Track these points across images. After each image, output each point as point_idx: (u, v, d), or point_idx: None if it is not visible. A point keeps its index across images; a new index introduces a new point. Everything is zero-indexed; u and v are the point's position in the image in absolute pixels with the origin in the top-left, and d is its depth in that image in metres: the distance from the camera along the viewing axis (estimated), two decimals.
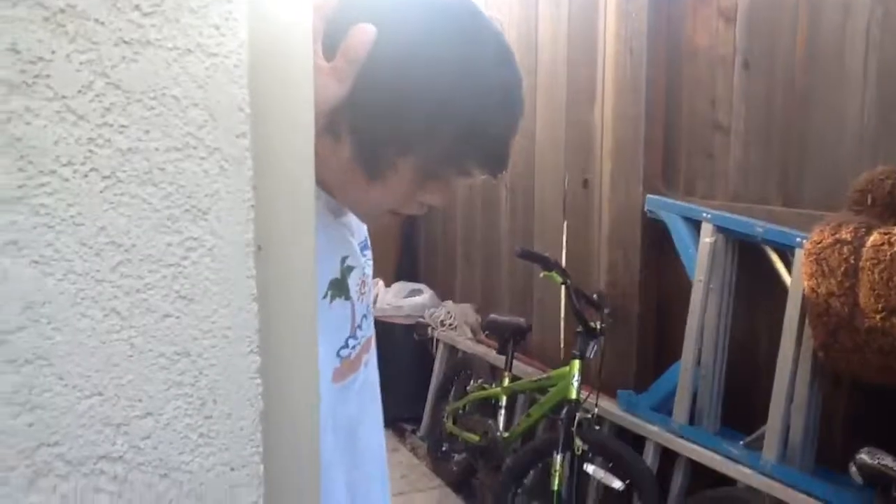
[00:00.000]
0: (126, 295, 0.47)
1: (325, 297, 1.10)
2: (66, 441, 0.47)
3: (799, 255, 2.26)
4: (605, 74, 3.10)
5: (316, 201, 1.03)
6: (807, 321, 2.24)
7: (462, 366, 3.92)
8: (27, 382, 0.46)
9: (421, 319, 4.27)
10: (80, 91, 0.45)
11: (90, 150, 0.45)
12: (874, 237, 1.98)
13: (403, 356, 4.23)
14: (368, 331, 1.25)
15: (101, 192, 0.46)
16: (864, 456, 1.98)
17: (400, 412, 4.27)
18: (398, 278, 4.64)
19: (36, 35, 0.44)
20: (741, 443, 2.54)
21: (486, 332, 3.89)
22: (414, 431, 4.30)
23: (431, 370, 4.22)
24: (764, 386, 2.47)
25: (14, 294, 0.45)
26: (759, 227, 2.45)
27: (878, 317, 1.96)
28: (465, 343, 3.98)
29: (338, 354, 1.14)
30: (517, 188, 3.78)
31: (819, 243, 2.09)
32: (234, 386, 0.51)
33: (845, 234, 2.04)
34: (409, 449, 4.14)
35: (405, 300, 4.36)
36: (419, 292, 4.46)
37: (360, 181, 1.02)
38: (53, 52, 0.44)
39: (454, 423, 3.63)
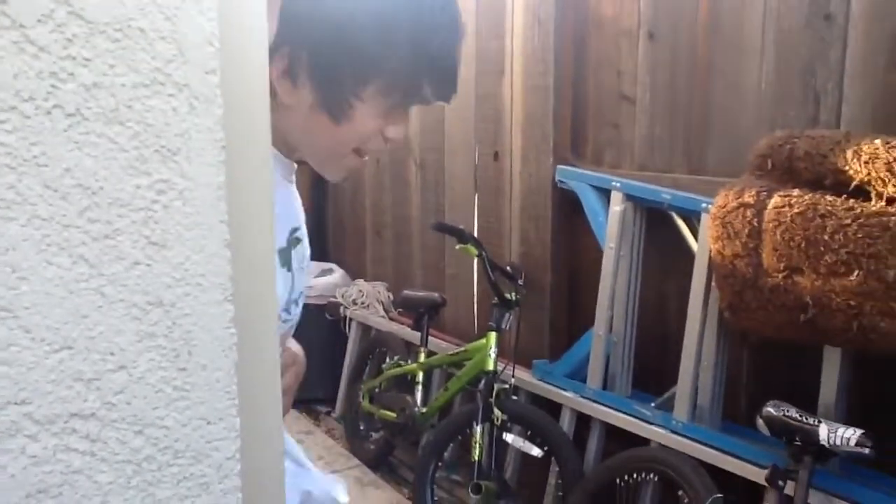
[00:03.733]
0: (94, 241, 0.45)
1: None
2: (34, 398, 0.44)
3: (704, 221, 2.35)
4: (514, 47, 3.13)
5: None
6: (713, 283, 2.33)
7: (376, 344, 3.90)
8: None
9: (333, 299, 4.23)
10: (39, 20, 0.41)
11: (52, 85, 0.42)
12: (775, 200, 2.07)
13: (316, 337, 4.17)
14: (297, 316, 1.25)
15: (65, 130, 0.43)
16: (770, 409, 2.08)
17: (314, 393, 4.22)
18: None
19: None
20: (653, 405, 2.63)
21: (400, 309, 3.88)
22: (329, 413, 4.26)
23: (345, 350, 4.19)
24: (673, 349, 2.56)
25: None
26: (665, 194, 2.53)
27: (780, 276, 2.06)
28: (379, 321, 3.97)
29: None
30: (427, 163, 3.78)
31: (724, 207, 2.18)
32: (209, 336, 0.49)
33: (748, 198, 2.13)
34: (325, 430, 4.11)
35: (316, 280, 4.30)
36: (330, 272, 4.41)
37: (326, 125, 1.02)
38: None
39: (370, 401, 3.62)
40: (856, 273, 1.87)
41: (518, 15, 3.08)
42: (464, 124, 3.49)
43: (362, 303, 4.08)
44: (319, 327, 4.23)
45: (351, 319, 4.16)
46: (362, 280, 4.28)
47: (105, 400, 0.46)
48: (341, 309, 4.18)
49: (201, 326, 0.49)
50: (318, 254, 4.72)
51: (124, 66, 0.44)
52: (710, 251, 2.25)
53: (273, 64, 1.01)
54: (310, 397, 4.25)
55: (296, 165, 1.21)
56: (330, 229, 4.85)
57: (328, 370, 4.17)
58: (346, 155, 1.08)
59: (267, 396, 0.56)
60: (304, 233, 1.19)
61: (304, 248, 1.20)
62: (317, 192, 4.80)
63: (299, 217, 1.19)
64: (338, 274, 4.40)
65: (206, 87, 0.47)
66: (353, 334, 4.17)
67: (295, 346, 1.20)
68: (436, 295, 3.40)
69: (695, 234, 2.48)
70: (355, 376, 3.97)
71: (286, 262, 1.13)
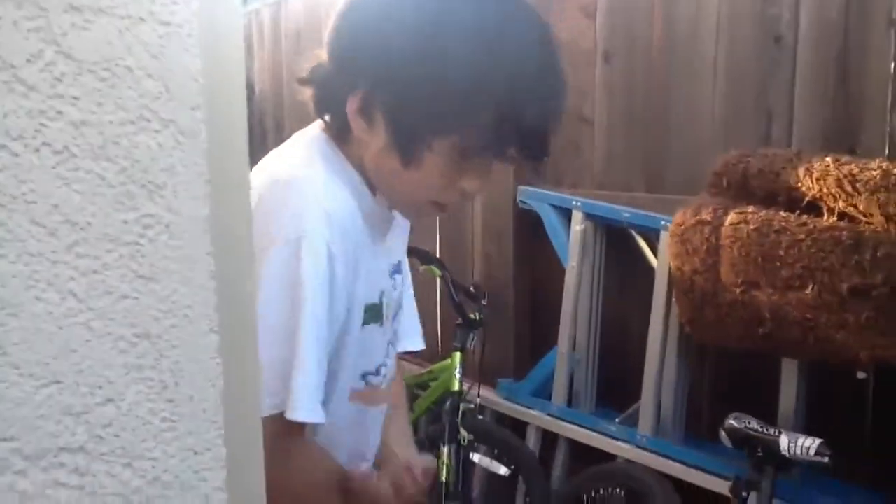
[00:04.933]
0: (83, 276, 0.45)
1: (363, 323, 1.08)
2: (22, 434, 0.44)
3: (664, 238, 2.39)
4: None
5: (358, 214, 1.04)
6: (673, 299, 2.37)
7: None
8: None
9: None
10: (28, 60, 0.42)
11: (41, 123, 0.43)
12: (731, 217, 2.12)
13: None
14: (393, 364, 1.23)
15: (53, 167, 0.43)
16: (732, 421, 2.12)
17: None
18: None
19: None
20: (617, 420, 2.66)
21: None
22: None
23: None
24: (636, 364, 2.60)
25: None
26: (625, 212, 2.57)
27: (738, 290, 2.10)
28: None
29: (363, 377, 1.13)
30: None
31: (682, 225, 2.22)
32: (196, 367, 0.50)
33: (705, 216, 2.18)
34: None
35: None
36: None
37: (395, 166, 1.00)
38: (0, 18, 0.41)
39: None
40: (810, 287, 1.92)
41: None
42: None
43: None
44: None
45: None
46: None
47: (93, 433, 0.47)
48: None
49: (188, 357, 0.49)
50: None
51: (112, 104, 0.45)
52: (670, 268, 2.30)
53: (350, 101, 1.00)
54: None
55: (399, 219, 1.18)
56: None
57: None
58: (421, 204, 1.07)
59: (251, 426, 0.56)
60: (389, 280, 1.15)
61: (394, 294, 1.17)
62: None
63: (391, 261, 1.16)
64: None
65: (191, 123, 0.48)
66: None
67: (418, 464, 1.15)
68: None
69: (654, 251, 2.53)
70: None
71: (377, 316, 1.10)
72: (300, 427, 1.01)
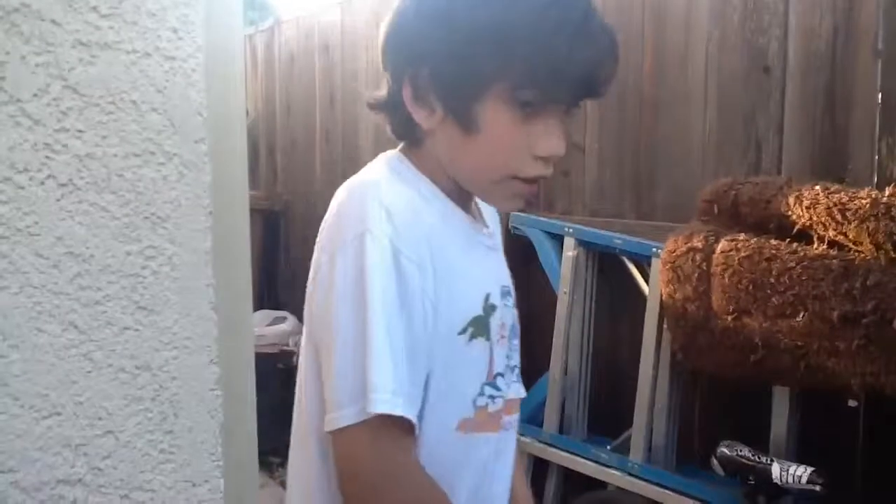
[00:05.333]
0: (84, 307, 0.45)
1: (463, 332, 1.03)
2: (21, 466, 0.44)
3: (655, 265, 2.40)
4: None
5: (431, 212, 1.03)
6: (665, 326, 2.38)
7: None
8: None
9: (285, 347, 4.19)
10: (35, 94, 0.43)
11: (47, 157, 0.43)
12: (722, 244, 2.13)
13: (267, 387, 4.09)
14: (513, 390, 1.14)
15: (58, 200, 0.44)
16: (724, 449, 2.12)
17: (264, 445, 4.13)
18: (260, 306, 4.53)
19: None
20: (609, 447, 2.66)
21: None
22: (282, 465, 4.18)
23: None
24: (628, 391, 2.60)
25: None
26: (617, 239, 2.58)
27: (729, 318, 2.11)
28: None
29: (473, 402, 1.05)
30: None
31: (674, 252, 2.23)
32: (195, 399, 0.50)
33: (697, 243, 2.19)
34: (279, 482, 4.03)
35: (268, 328, 4.26)
36: (283, 319, 4.37)
37: (461, 141, 1.00)
38: (8, 53, 0.42)
39: None
40: (801, 314, 1.93)
41: None
42: None
43: None
44: (271, 377, 4.18)
45: None
46: None
47: (92, 465, 0.47)
48: (294, 358, 4.14)
49: (188, 389, 0.49)
50: (272, 301, 4.68)
51: (116, 137, 0.45)
52: (662, 295, 2.31)
53: (404, 94, 1.02)
54: (260, 450, 4.17)
55: (488, 229, 1.16)
56: (283, 277, 4.82)
57: (280, 420, 4.10)
58: (501, 180, 1.03)
59: (248, 457, 0.56)
60: (498, 289, 1.10)
61: (503, 308, 1.10)
62: (269, 235, 4.78)
63: (499, 280, 1.12)
64: (291, 321, 4.37)
65: (194, 156, 0.48)
66: None
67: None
68: None
69: (646, 277, 2.54)
70: None
71: (483, 331, 1.04)
72: (399, 433, 0.92)
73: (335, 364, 0.92)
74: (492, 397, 1.07)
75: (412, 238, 0.97)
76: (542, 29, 0.93)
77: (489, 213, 1.22)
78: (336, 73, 4.32)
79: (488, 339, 1.05)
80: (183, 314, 0.49)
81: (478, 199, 1.15)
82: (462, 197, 1.10)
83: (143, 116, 0.46)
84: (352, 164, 4.05)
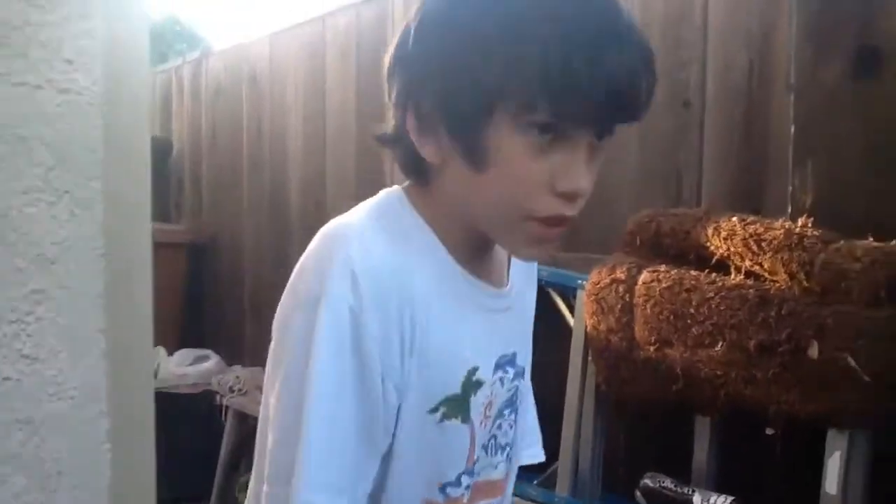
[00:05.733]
0: None
1: (434, 411, 0.91)
2: None
3: (580, 297, 2.42)
4: None
5: (421, 274, 0.90)
6: (590, 358, 2.40)
7: (255, 434, 3.76)
8: None
9: (208, 387, 4.08)
10: None
11: None
12: (644, 275, 2.17)
13: (189, 429, 3.98)
14: (497, 471, 1.03)
15: None
16: (647, 481, 2.14)
17: (185, 491, 3.99)
18: (183, 344, 4.41)
19: None
20: (535, 482, 2.65)
21: None
22: None
23: (220, 442, 4.01)
24: (554, 424, 2.60)
25: None
26: (543, 271, 2.59)
27: (652, 348, 2.14)
28: (258, 409, 3.84)
29: (443, 491, 0.94)
30: (307, 242, 3.75)
31: (598, 284, 2.26)
32: (82, 455, 0.47)
33: (620, 274, 2.22)
34: None
35: (190, 368, 4.15)
36: (206, 358, 4.26)
37: (472, 177, 0.87)
38: None
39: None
40: (720, 344, 1.96)
41: None
42: (347, 201, 3.50)
43: (239, 390, 3.94)
44: (192, 418, 4.05)
45: (227, 408, 4.01)
46: (240, 366, 4.16)
47: None
48: (217, 397, 4.03)
49: (74, 445, 0.46)
50: (196, 339, 4.57)
51: (2, 174, 0.43)
52: (586, 326, 2.33)
53: (408, 124, 0.92)
54: (180, 496, 4.03)
55: (506, 287, 1.04)
56: (206, 313, 4.71)
57: (202, 463, 3.97)
58: (519, 221, 0.88)
59: None
60: (491, 361, 0.98)
61: (498, 391, 0.98)
62: (193, 269, 4.67)
63: (502, 348, 1.00)
64: (213, 360, 4.26)
65: (87, 194, 0.46)
66: (229, 425, 4.01)
67: None
68: None
69: (572, 310, 2.56)
70: (231, 468, 3.81)
71: (457, 411, 0.92)
72: None
73: (275, 433, 0.92)
74: (468, 487, 0.97)
75: (382, 309, 0.87)
76: (556, 30, 0.78)
77: (523, 266, 1.10)
78: (264, 105, 4.28)
79: (466, 420, 0.94)
80: (70, 363, 0.46)
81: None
82: (476, 248, 0.98)
83: (31, 152, 0.43)
84: (279, 198, 4.00)
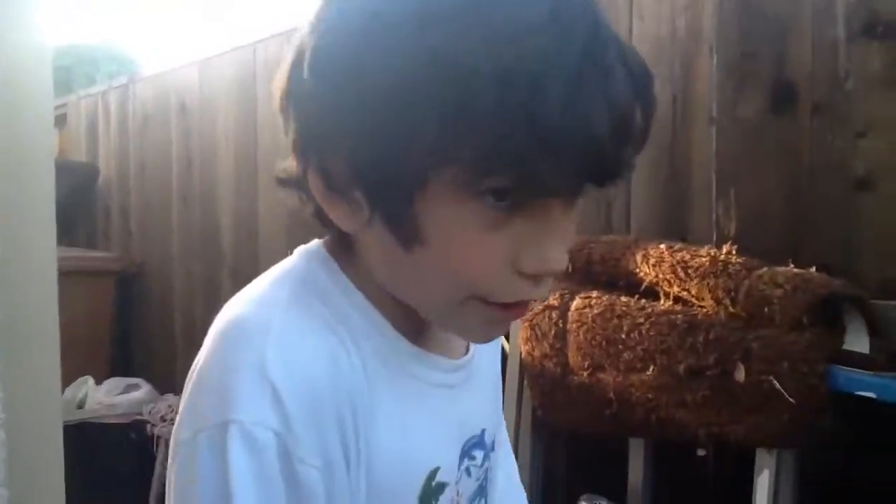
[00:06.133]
0: None
1: None
2: None
3: (515, 324, 2.44)
4: None
5: (358, 364, 0.70)
6: (525, 383, 2.41)
7: None
8: None
9: (139, 417, 3.97)
10: None
11: None
12: (577, 302, 2.20)
13: (118, 460, 3.88)
14: None
15: None
16: (584, 503, 2.15)
17: None
18: (111, 374, 4.29)
19: None
20: None
21: None
22: None
23: (153, 472, 3.91)
24: None
25: None
26: None
27: (585, 374, 2.16)
28: None
29: None
30: (240, 273, 3.70)
31: (531, 310, 2.28)
32: None
33: (553, 301, 2.24)
34: None
35: (119, 397, 4.03)
36: (136, 387, 4.15)
37: (402, 255, 0.66)
38: None
39: None
40: (651, 368, 2.00)
41: None
42: (279, 232, 3.47)
43: (171, 419, 3.85)
44: (123, 448, 3.94)
45: (159, 437, 3.91)
46: (171, 394, 4.06)
47: None
48: (148, 427, 3.92)
49: None
50: (123, 368, 4.45)
51: None
52: (521, 352, 2.34)
53: (312, 186, 0.71)
54: None
55: (466, 356, 0.84)
56: (136, 342, 4.59)
57: (133, 495, 3.86)
58: (467, 303, 0.68)
59: None
60: (455, 459, 0.80)
61: (466, 484, 0.81)
62: (121, 299, 4.55)
63: (468, 431, 0.82)
64: (144, 389, 4.15)
65: None
66: (160, 455, 3.91)
67: None
68: None
69: (507, 336, 2.57)
70: (163, 500, 3.70)
71: None
72: None
73: None
74: None
75: (316, 427, 0.67)
76: (518, 65, 0.56)
77: None
78: (193, 135, 4.20)
79: None
80: None
81: None
82: (414, 314, 0.75)
83: None
84: (210, 229, 3.93)
